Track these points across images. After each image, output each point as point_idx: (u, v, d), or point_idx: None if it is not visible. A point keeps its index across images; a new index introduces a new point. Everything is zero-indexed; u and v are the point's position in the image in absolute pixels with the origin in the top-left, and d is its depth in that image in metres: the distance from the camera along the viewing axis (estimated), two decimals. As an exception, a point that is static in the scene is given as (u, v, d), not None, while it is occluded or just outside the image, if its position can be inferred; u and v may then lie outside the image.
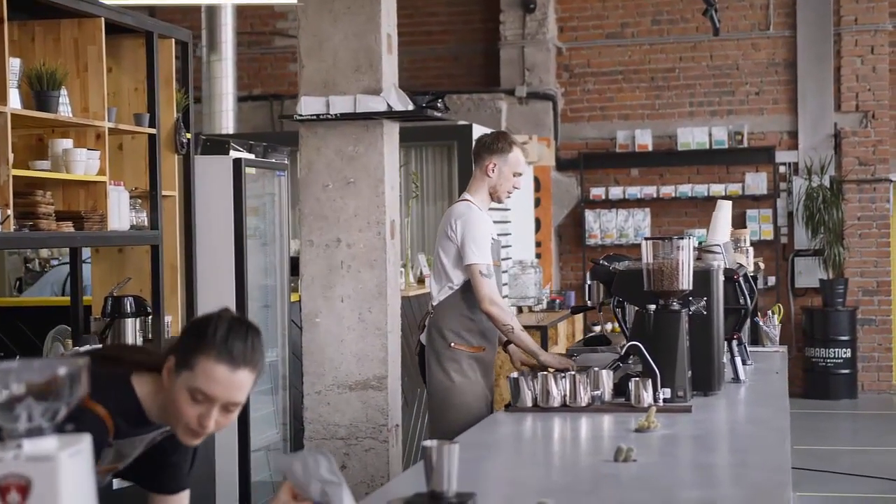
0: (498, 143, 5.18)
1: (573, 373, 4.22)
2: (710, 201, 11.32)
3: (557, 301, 10.45)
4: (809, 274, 12.16)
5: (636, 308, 4.44)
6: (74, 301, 5.68)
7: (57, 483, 1.75)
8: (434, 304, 5.16)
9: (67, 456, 1.77)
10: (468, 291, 5.09)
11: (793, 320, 12.27)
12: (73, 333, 5.59)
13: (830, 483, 8.21)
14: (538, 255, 11.81)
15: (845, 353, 11.83)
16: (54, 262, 8.26)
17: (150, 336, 5.56)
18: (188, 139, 5.89)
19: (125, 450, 2.69)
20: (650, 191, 12.41)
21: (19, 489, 1.72)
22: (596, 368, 4.24)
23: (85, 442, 1.82)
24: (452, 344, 5.07)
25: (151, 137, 5.58)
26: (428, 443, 2.64)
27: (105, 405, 2.58)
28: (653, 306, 4.28)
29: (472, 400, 5.04)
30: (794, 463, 8.10)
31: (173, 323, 5.79)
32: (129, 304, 5.39)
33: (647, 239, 4.34)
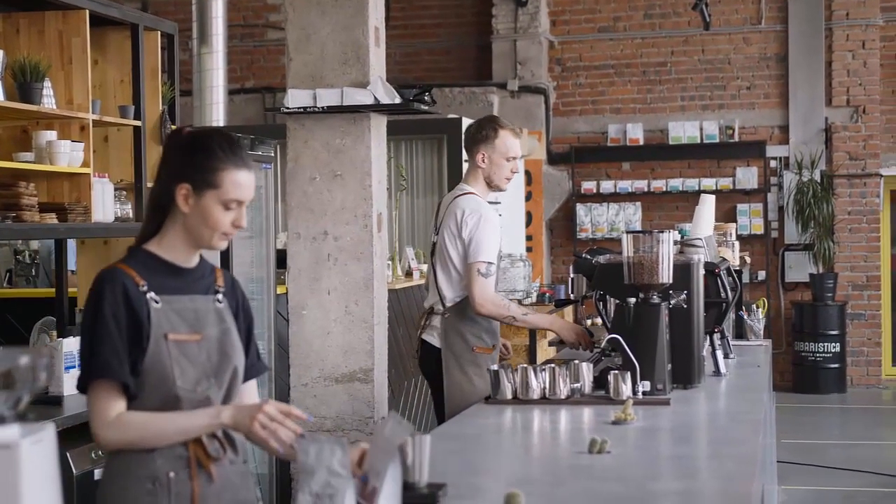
0: (482, 131, 5.07)
1: (576, 361, 4.20)
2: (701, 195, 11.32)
3: (548, 294, 10.46)
4: (799, 268, 12.18)
5: (617, 301, 4.45)
6: (59, 293, 5.69)
7: (18, 471, 1.76)
8: (447, 304, 5.02)
9: (29, 444, 1.79)
10: None
11: (782, 315, 12.30)
12: (57, 325, 5.60)
13: (818, 477, 8.24)
14: (529, 249, 11.82)
15: (835, 347, 11.86)
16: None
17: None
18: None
19: (185, 313, 2.78)
20: (641, 185, 12.43)
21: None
22: (576, 361, 4.25)
23: (48, 430, 1.84)
24: (475, 348, 4.99)
25: (137, 129, 5.59)
26: (399, 434, 2.65)
27: (125, 263, 2.77)
28: (633, 299, 4.28)
29: None
30: (782, 457, 8.19)
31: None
32: (113, 296, 5.38)
33: (628, 232, 4.35)
